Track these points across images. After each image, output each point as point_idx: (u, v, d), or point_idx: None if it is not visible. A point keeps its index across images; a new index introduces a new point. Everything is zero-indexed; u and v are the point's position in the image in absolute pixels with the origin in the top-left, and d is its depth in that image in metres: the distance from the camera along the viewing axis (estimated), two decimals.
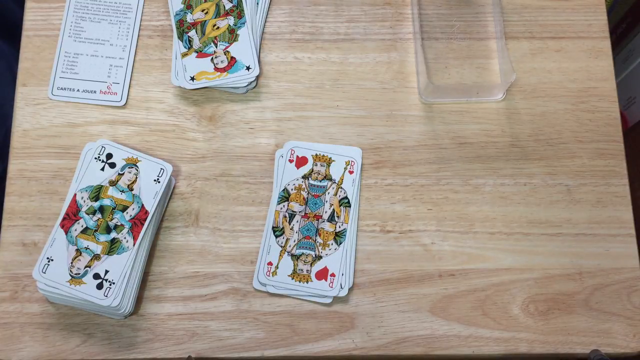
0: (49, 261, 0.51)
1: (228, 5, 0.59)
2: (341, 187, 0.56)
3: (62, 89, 0.58)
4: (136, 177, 0.53)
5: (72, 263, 0.51)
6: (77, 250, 0.52)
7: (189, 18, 0.59)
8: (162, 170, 0.54)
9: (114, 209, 0.53)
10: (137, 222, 0.52)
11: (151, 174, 0.54)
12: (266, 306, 0.54)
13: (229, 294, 0.54)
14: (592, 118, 0.59)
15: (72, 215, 0.52)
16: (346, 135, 0.58)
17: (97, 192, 0.53)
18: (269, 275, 0.54)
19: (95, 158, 0.54)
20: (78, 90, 0.58)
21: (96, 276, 0.51)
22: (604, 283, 0.55)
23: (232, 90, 0.59)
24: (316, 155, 0.57)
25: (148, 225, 0.52)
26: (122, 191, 0.53)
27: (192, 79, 0.57)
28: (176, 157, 0.57)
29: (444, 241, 0.56)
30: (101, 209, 0.53)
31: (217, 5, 0.60)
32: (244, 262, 0.55)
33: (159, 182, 0.53)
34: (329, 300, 0.54)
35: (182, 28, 0.59)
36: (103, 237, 0.52)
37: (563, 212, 0.57)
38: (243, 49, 0.58)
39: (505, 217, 0.56)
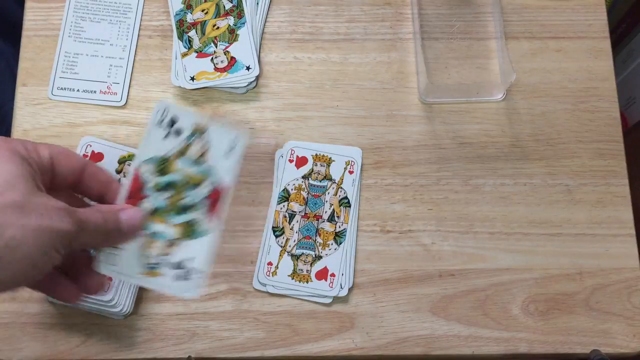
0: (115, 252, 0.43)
1: (228, 5, 0.59)
2: (341, 187, 0.56)
3: (62, 89, 0.58)
4: (208, 148, 0.45)
5: (144, 251, 0.43)
6: (149, 237, 0.43)
7: (189, 18, 0.59)
8: (237, 138, 0.46)
9: (185, 185, 0.45)
10: (213, 200, 0.45)
11: (224, 143, 0.46)
12: (266, 306, 0.54)
13: (229, 294, 0.54)
14: (592, 118, 0.59)
15: (137, 192, 0.43)
16: (346, 135, 0.58)
17: (163, 165, 0.44)
18: (269, 275, 0.54)
19: (159, 121, 0.44)
20: (78, 90, 0.58)
21: (176, 265, 0.44)
22: (604, 283, 0.55)
23: (232, 90, 0.59)
24: (316, 155, 0.57)
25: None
26: (193, 164, 0.45)
27: (192, 79, 0.57)
28: None
29: (444, 241, 0.56)
30: (170, 186, 0.44)
31: (217, 5, 0.60)
32: (244, 262, 0.55)
33: (234, 151, 0.45)
34: (329, 300, 0.54)
35: (182, 28, 0.59)
36: (178, 219, 0.44)
37: (563, 212, 0.57)
38: (243, 49, 0.58)
39: (505, 217, 0.56)
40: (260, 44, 0.60)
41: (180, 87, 0.58)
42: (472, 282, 0.55)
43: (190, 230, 0.44)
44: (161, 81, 0.59)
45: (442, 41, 0.61)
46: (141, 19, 0.60)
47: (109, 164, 0.55)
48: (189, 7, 0.60)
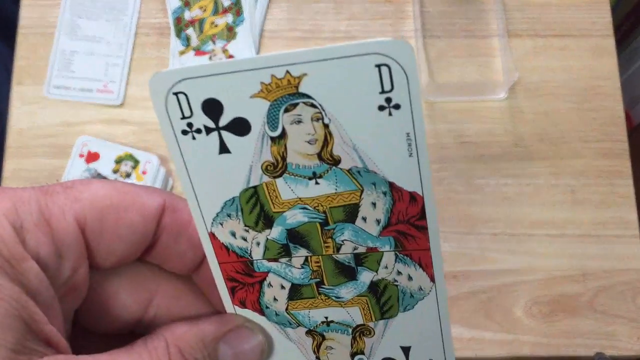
0: None
1: (226, 3, 0.59)
2: None
3: (58, 87, 0.58)
4: (326, 124, 0.19)
5: (319, 357, 0.23)
6: (312, 332, 0.23)
7: (187, 15, 0.59)
8: (381, 71, 0.18)
9: (324, 224, 0.21)
10: (405, 227, 0.21)
11: (356, 88, 0.19)
12: None
13: None
14: (596, 117, 0.58)
15: (241, 276, 0.22)
16: None
17: (256, 207, 0.21)
18: None
19: (183, 132, 0.20)
20: (74, 88, 0.58)
21: None
22: (608, 285, 0.54)
23: None
24: None
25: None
26: (314, 176, 0.20)
27: None
28: None
29: (445, 242, 0.55)
30: (295, 238, 0.21)
31: (216, 3, 0.59)
32: None
33: (393, 105, 0.19)
34: None
35: (180, 26, 0.58)
36: (348, 290, 0.22)
37: (567, 213, 0.56)
38: (242, 46, 0.58)
39: (508, 217, 0.56)
40: (259, 42, 0.59)
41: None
42: (474, 283, 0.54)
43: (384, 302, 0.22)
44: None
45: (444, 39, 0.60)
46: (138, 17, 0.60)
47: (105, 163, 0.54)
48: (187, 4, 0.59)
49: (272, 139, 0.19)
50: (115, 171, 0.54)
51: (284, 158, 0.20)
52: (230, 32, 0.58)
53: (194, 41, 0.58)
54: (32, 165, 0.56)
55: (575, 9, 0.61)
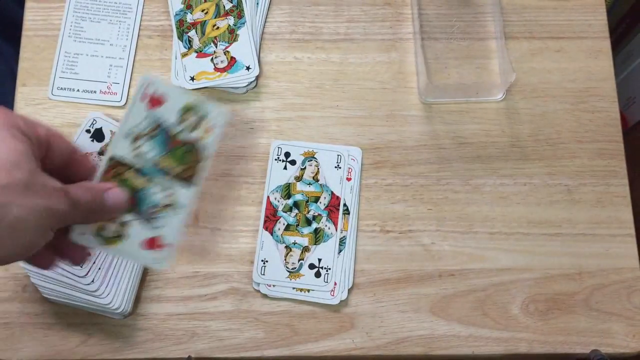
0: (264, 263, 0.54)
1: (228, 5, 0.59)
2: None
3: (62, 89, 0.58)
4: (318, 169, 0.56)
5: (285, 259, 0.54)
6: (287, 247, 0.54)
7: (189, 18, 0.59)
8: (339, 157, 0.56)
9: (307, 202, 0.55)
10: (332, 209, 0.55)
11: (331, 162, 0.56)
12: (266, 306, 0.54)
13: (228, 294, 0.54)
14: (592, 118, 0.59)
15: (271, 216, 0.55)
16: (346, 135, 0.58)
17: (287, 190, 0.55)
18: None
19: (276, 159, 0.56)
20: (78, 90, 0.58)
21: (311, 266, 0.54)
22: (604, 283, 0.55)
23: (232, 90, 0.59)
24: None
25: (344, 210, 0.55)
26: (309, 184, 0.55)
27: (192, 79, 0.57)
28: None
29: (443, 241, 0.56)
30: (296, 205, 0.55)
31: (217, 5, 0.60)
32: (243, 262, 0.55)
33: (339, 167, 0.56)
34: (334, 302, 0.54)
35: (182, 28, 0.59)
36: (306, 230, 0.55)
37: (563, 212, 0.57)
38: (243, 49, 0.58)
39: (505, 217, 0.56)
40: (260, 44, 0.60)
41: (180, 87, 0.58)
42: (471, 282, 0.55)
43: (318, 237, 0.55)
44: None
45: (442, 41, 0.61)
46: (141, 19, 0.60)
47: None
48: (189, 7, 0.60)
49: (301, 169, 0.56)
50: None
51: (300, 177, 0.56)
52: (231, 35, 0.59)
53: (196, 43, 0.59)
54: None
55: (571, 11, 0.62)
